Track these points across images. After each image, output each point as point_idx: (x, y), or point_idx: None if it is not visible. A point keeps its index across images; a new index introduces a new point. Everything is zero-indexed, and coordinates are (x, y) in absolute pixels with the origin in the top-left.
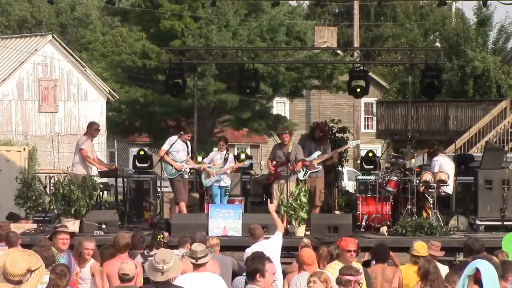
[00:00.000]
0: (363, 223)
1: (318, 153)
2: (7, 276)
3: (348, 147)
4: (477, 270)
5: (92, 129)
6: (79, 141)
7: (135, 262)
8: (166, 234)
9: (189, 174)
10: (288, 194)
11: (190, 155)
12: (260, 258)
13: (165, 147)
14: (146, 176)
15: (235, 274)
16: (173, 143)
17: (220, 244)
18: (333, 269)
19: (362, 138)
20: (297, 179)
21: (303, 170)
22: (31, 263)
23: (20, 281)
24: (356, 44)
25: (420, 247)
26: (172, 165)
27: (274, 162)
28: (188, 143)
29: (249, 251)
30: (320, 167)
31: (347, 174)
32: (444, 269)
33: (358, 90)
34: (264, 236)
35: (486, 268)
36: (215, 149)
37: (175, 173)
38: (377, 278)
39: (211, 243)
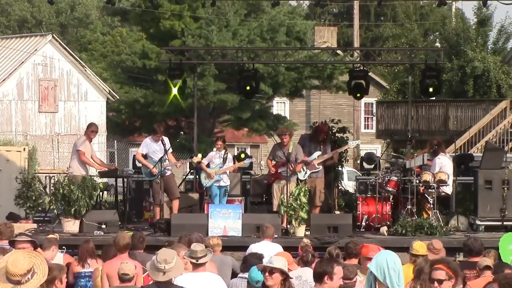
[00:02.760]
0: (363, 223)
1: (318, 153)
2: (9, 276)
3: (349, 147)
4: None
5: (89, 131)
6: (77, 142)
7: (135, 262)
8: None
9: (189, 173)
10: (288, 194)
11: (169, 151)
12: (329, 260)
13: (141, 150)
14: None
15: (235, 274)
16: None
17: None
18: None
19: (362, 138)
20: (297, 179)
21: (303, 170)
22: (33, 263)
23: (19, 281)
24: (356, 44)
25: (419, 246)
26: (150, 167)
27: (273, 162)
28: (165, 140)
29: (253, 248)
30: (320, 167)
31: (347, 174)
32: None
33: (358, 94)
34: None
35: (376, 263)
36: (215, 149)
37: (154, 174)
38: None
39: (212, 243)
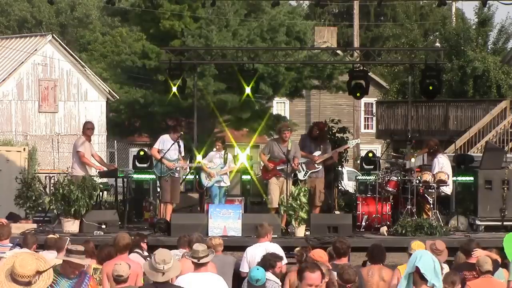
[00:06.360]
0: (363, 223)
1: (318, 153)
2: (16, 277)
3: (348, 147)
4: (417, 267)
5: (85, 129)
6: (76, 143)
7: (135, 263)
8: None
9: (189, 173)
10: (288, 193)
11: (181, 154)
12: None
13: (157, 146)
14: (146, 176)
15: (238, 274)
16: (169, 143)
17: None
18: None
19: (362, 138)
20: (297, 179)
21: (303, 170)
22: (40, 265)
23: (28, 282)
24: (356, 44)
25: (417, 246)
26: (163, 164)
27: (267, 157)
28: (181, 142)
29: (249, 251)
30: (320, 167)
31: (347, 174)
32: (444, 268)
33: (358, 94)
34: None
35: (423, 263)
36: (214, 149)
37: (166, 172)
38: (373, 277)
39: (213, 243)
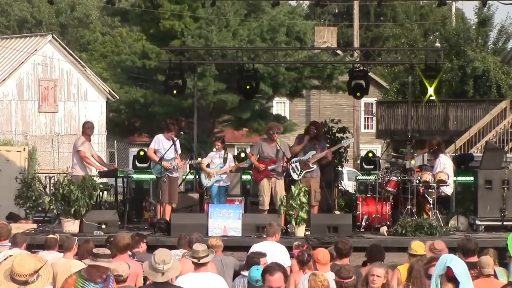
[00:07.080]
0: (363, 223)
1: (312, 152)
2: (14, 276)
3: (342, 146)
4: (448, 268)
5: (85, 129)
6: (77, 143)
7: (135, 263)
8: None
9: (189, 173)
10: (283, 192)
11: (178, 152)
12: None
13: (153, 146)
14: (146, 176)
15: (237, 275)
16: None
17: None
18: None
19: (362, 138)
20: (292, 179)
21: (298, 170)
22: (38, 265)
23: (26, 281)
24: (356, 44)
25: (417, 246)
26: (161, 164)
27: (257, 157)
28: (177, 140)
29: (255, 247)
30: (315, 166)
31: (347, 174)
32: None
33: (358, 94)
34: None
35: (456, 264)
36: (214, 149)
37: (163, 172)
38: None
39: (212, 244)
